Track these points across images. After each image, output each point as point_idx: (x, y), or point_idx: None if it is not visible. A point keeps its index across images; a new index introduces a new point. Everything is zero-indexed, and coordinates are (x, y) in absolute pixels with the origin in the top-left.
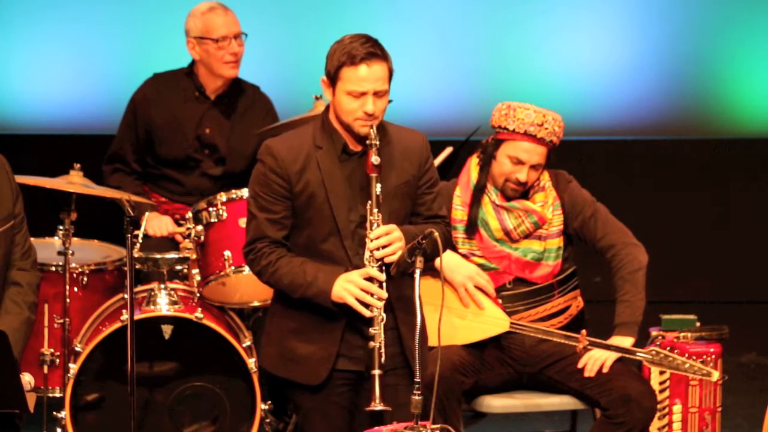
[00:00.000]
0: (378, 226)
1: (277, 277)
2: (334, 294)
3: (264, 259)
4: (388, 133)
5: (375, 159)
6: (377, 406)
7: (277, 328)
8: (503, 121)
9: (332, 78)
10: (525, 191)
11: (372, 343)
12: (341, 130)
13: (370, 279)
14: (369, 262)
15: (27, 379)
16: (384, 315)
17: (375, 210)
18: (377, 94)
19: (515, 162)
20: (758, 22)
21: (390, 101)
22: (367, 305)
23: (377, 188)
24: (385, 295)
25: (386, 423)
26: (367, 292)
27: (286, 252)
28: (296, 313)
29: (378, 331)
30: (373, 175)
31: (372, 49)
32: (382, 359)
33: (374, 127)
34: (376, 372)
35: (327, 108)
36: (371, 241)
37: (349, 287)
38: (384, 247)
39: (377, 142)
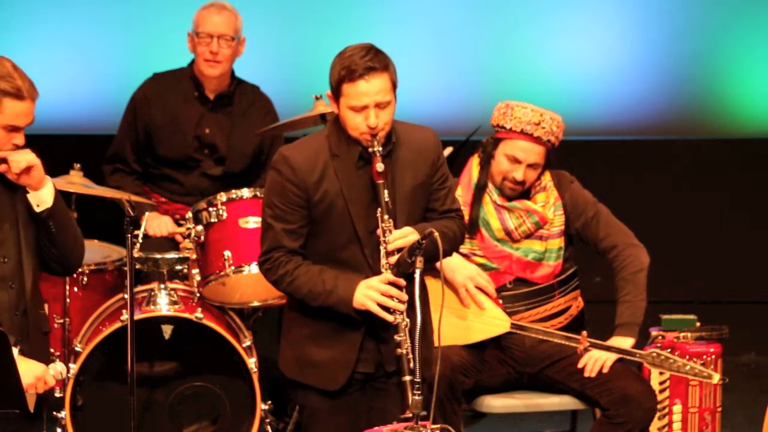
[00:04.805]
0: (390, 232)
1: (295, 286)
2: (355, 302)
3: (281, 269)
4: (400, 134)
5: (379, 166)
6: (413, 412)
7: (295, 334)
8: (501, 119)
9: (335, 93)
10: (526, 191)
11: (399, 350)
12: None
13: (389, 284)
14: (385, 268)
15: (59, 368)
16: (408, 320)
17: (386, 216)
18: (379, 106)
19: (512, 161)
20: (758, 22)
21: None
22: (389, 311)
23: (385, 194)
24: (406, 297)
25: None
26: (388, 296)
27: (303, 260)
28: (314, 319)
29: (404, 337)
30: (380, 182)
31: (370, 63)
32: (411, 364)
33: (376, 135)
34: (407, 378)
35: (339, 116)
36: (386, 248)
37: (371, 293)
38: (401, 251)
39: (380, 149)
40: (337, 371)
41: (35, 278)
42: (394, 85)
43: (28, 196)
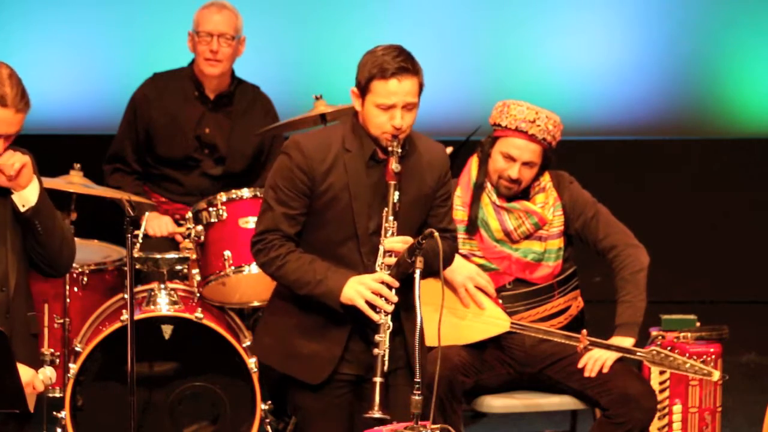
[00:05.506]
0: (393, 234)
1: (284, 271)
2: (344, 295)
3: (273, 251)
4: (415, 144)
5: (395, 166)
6: (375, 413)
7: (279, 322)
8: (498, 117)
9: (362, 89)
10: (525, 192)
11: (377, 350)
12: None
13: (382, 284)
14: (380, 268)
15: (48, 373)
16: (391, 323)
17: (391, 218)
18: (406, 108)
19: (507, 158)
20: (758, 22)
21: None
22: (376, 310)
23: (395, 196)
24: (395, 299)
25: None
26: (378, 295)
27: (296, 247)
28: (300, 311)
29: (384, 338)
30: (392, 182)
31: (404, 64)
32: (386, 367)
33: (397, 136)
34: (378, 380)
35: (357, 113)
36: (384, 247)
37: (361, 289)
38: (397, 254)
39: (399, 150)
40: (320, 366)
41: (22, 281)
42: (420, 90)
43: (12, 197)
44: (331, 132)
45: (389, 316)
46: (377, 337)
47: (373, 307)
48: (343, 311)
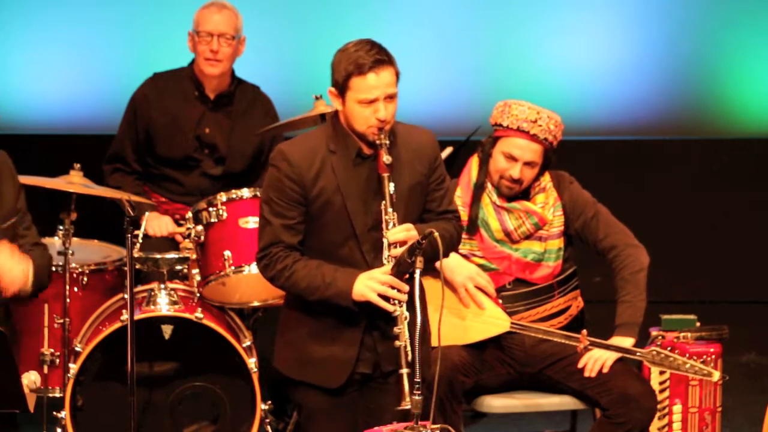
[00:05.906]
0: (394, 225)
1: (294, 280)
2: (355, 292)
3: (279, 264)
4: (398, 134)
5: (386, 158)
6: (407, 405)
7: (293, 333)
8: (499, 117)
9: (341, 88)
10: (526, 192)
11: (398, 342)
12: (354, 134)
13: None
14: (388, 260)
15: (33, 378)
16: (407, 313)
17: (390, 210)
18: (387, 99)
19: (509, 158)
20: (758, 22)
21: None
22: (389, 302)
23: (390, 187)
24: (407, 288)
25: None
26: (390, 286)
27: (301, 256)
28: (313, 317)
29: (402, 329)
30: (385, 174)
31: (378, 56)
32: (409, 357)
33: (383, 128)
34: (404, 371)
35: (337, 113)
36: (388, 239)
37: (371, 284)
38: (402, 244)
39: (387, 142)
40: (338, 369)
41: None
42: (398, 79)
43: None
44: (314, 136)
45: (404, 306)
46: (396, 330)
47: (386, 300)
48: (358, 309)
